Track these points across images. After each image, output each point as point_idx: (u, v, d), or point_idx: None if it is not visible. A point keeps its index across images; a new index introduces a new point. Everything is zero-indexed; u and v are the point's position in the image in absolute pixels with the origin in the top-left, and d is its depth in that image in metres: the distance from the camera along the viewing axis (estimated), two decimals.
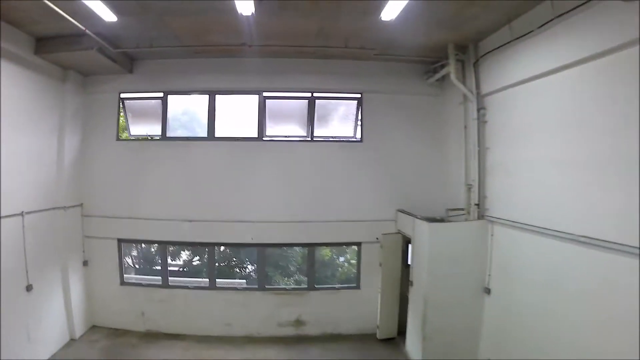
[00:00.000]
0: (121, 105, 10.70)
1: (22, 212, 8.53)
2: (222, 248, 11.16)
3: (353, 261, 11.41)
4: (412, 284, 9.13)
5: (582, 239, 5.80)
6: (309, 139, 10.62)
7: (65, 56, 9.04)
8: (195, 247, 11.86)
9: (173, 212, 10.39)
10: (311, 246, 10.71)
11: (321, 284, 11.07)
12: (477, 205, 8.56)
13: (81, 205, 10.43)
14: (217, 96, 10.47)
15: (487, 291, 8.41)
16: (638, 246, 4.91)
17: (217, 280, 11.02)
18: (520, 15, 7.14)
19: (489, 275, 8.39)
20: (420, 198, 10.24)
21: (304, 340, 10.42)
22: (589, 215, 5.76)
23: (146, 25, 8.21)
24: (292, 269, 12.04)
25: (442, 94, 10.29)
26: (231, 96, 10.59)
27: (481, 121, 8.56)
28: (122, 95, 10.56)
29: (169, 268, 11.24)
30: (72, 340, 10.03)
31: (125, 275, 10.99)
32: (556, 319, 6.45)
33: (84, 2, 6.71)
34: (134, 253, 12.03)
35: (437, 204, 9.87)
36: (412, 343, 9.15)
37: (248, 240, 10.41)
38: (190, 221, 10.31)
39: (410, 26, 7.67)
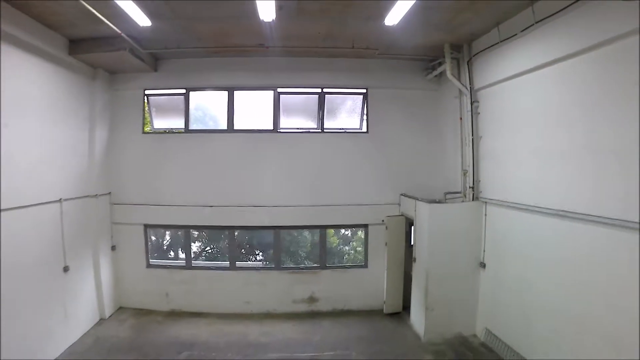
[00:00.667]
0: (146, 101, 11.84)
1: (61, 199, 9.71)
2: (236, 233, 12.32)
3: (359, 248, 12.92)
4: (414, 260, 10.47)
5: (561, 213, 7.14)
6: (320, 130, 12.08)
7: (97, 56, 10.28)
8: (211, 233, 13.00)
9: (195, 198, 11.80)
10: (322, 228, 12.18)
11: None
12: (472, 188, 9.93)
13: (109, 193, 11.74)
14: (235, 92, 11.84)
15: (483, 265, 9.77)
16: (606, 216, 6.22)
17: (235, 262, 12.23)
18: (507, 20, 8.49)
19: (484, 250, 9.74)
20: (421, 183, 11.69)
21: (317, 315, 11.80)
22: (566, 192, 7.10)
23: (175, 29, 9.49)
24: (302, 254, 13.21)
25: (440, 89, 11.73)
26: (248, 92, 12.03)
27: (474, 113, 9.93)
28: (147, 92, 11.85)
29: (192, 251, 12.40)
30: (102, 319, 11.28)
31: (150, 259, 12.35)
32: (539, 285, 7.82)
33: (123, 8, 7.88)
34: (153, 237, 13.21)
35: (436, 188, 11.29)
36: (416, 315, 10.47)
37: (265, 223, 11.76)
38: (211, 206, 11.64)
39: (411, 29, 9.03)
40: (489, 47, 9.23)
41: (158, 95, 12.03)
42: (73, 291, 10.13)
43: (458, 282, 9.95)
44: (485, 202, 9.63)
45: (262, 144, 11.85)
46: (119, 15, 8.25)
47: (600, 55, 6.28)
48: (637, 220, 5.59)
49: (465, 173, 10.20)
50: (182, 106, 11.94)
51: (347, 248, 13.79)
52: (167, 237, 13.42)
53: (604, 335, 6.22)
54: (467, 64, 10.06)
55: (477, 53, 9.73)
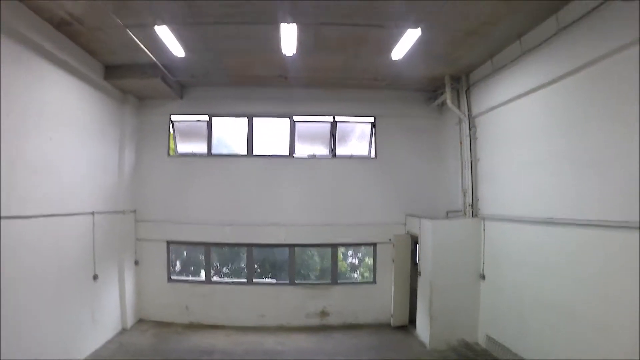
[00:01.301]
0: (171, 126, 13.58)
1: (93, 212, 11.00)
2: (254, 250, 13.66)
3: (367, 274, 14.33)
4: (419, 274, 11.80)
5: (548, 220, 8.50)
6: (331, 156, 13.71)
7: (129, 82, 11.86)
8: (230, 250, 14.31)
9: (215, 217, 13.26)
10: (334, 246, 13.61)
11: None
12: (471, 205, 11.37)
13: (135, 211, 13.19)
14: (254, 119, 13.50)
15: (482, 276, 11.07)
16: (587, 219, 7.49)
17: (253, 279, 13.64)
18: (498, 52, 10.10)
19: (483, 262, 11.05)
20: (425, 203, 13.21)
21: (328, 328, 13.08)
22: (552, 201, 8.49)
23: (204, 60, 11.13)
24: (312, 277, 14.47)
25: (441, 117, 13.39)
26: (266, 119, 13.70)
27: (473, 138, 11.49)
28: (173, 118, 13.45)
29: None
30: (123, 329, 12.48)
31: (171, 274, 13.74)
32: (534, 288, 9.05)
33: (164, 40, 9.29)
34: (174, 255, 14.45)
35: (439, 208, 12.80)
36: (421, 325, 11.73)
37: (281, 240, 13.24)
38: (231, 225, 13.01)
39: (414, 63, 10.69)
40: (484, 78, 10.85)
41: (183, 121, 13.56)
42: (100, 299, 11.35)
43: (460, 293, 11.23)
44: (484, 218, 10.98)
45: (278, 168, 13.46)
46: (156, 46, 9.78)
47: (577, 80, 7.74)
48: (614, 219, 6.83)
49: (465, 192, 11.62)
50: (205, 131, 13.55)
51: (355, 275, 14.94)
52: (187, 254, 14.63)
53: (592, 324, 7.31)
54: (466, 93, 11.67)
55: (474, 83, 11.34)
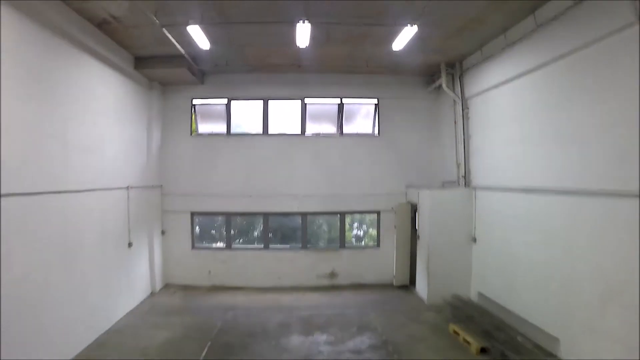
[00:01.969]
0: (193, 109, 15.66)
1: (128, 186, 13.00)
2: (270, 218, 15.85)
3: (370, 243, 16.60)
4: (418, 238, 13.94)
5: (528, 188, 10.42)
6: (339, 134, 15.85)
7: (156, 71, 13.85)
8: (249, 218, 16.42)
9: (235, 190, 15.46)
10: (342, 214, 15.86)
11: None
12: (464, 177, 13.49)
13: (161, 186, 15.26)
14: (269, 101, 15.65)
15: (474, 240, 13.17)
16: (554, 188, 9.41)
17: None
18: (487, 44, 12.10)
19: (475, 227, 13.14)
20: (423, 175, 15.47)
21: (337, 288, 15.34)
22: (529, 171, 10.50)
23: (227, 51, 13.10)
24: (321, 245, 16.57)
25: (438, 98, 15.51)
26: (280, 101, 15.85)
27: (465, 117, 13.56)
28: (194, 102, 15.42)
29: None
30: (153, 292, 14.64)
31: (195, 242, 15.92)
32: (517, 248, 10.85)
33: (192, 36, 11.06)
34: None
35: (435, 179, 15.06)
36: (420, 283, 13.98)
37: (294, 209, 15.47)
38: (249, 196, 15.11)
39: (412, 52, 12.74)
40: (475, 65, 12.92)
41: (204, 104, 15.71)
42: (133, 265, 13.43)
43: (454, 254, 13.39)
44: (475, 188, 13.08)
45: (291, 145, 15.62)
46: (185, 40, 11.65)
47: (554, 68, 9.55)
48: (592, 188, 8.18)
49: (458, 165, 13.74)
50: (224, 113, 15.70)
51: (361, 243, 17.04)
52: (209, 223, 16.69)
53: (562, 277, 9.04)
54: (459, 78, 13.77)
55: (467, 69, 13.41)
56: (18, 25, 7.90)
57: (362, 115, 16.19)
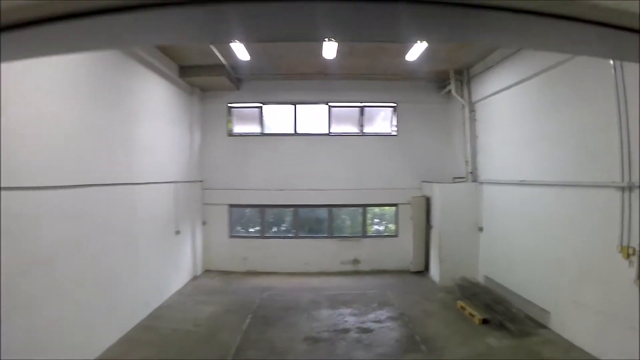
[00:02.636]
0: (229, 112, 18.26)
1: (175, 180, 15.49)
2: (299, 210, 18.33)
3: (389, 233, 19.00)
4: (432, 227, 16.24)
5: (524, 182, 12.55)
6: (360, 134, 18.42)
7: (199, 79, 16.39)
8: (280, 210, 18.97)
9: (268, 184, 18.04)
10: (363, 206, 18.42)
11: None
12: (472, 173, 15.86)
13: (202, 181, 17.75)
14: (298, 105, 18.31)
15: (481, 229, 15.46)
16: (541, 181, 11.66)
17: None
18: (487, 56, 14.43)
19: (481, 218, 15.38)
20: (436, 171, 17.83)
21: (359, 273, 17.84)
22: (521, 167, 12.71)
23: (262, 62, 15.62)
24: (345, 234, 18.99)
25: (449, 102, 17.88)
26: (308, 105, 18.47)
27: (473, 119, 15.90)
28: (231, 105, 17.95)
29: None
30: (195, 277, 17.19)
31: (232, 231, 18.54)
32: (517, 234, 12.80)
33: (235, 51, 13.64)
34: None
35: (447, 175, 17.44)
36: (433, 268, 16.36)
37: (321, 202, 18.06)
38: (281, 190, 17.62)
39: (424, 62, 15.18)
40: (479, 73, 15.28)
41: (239, 107, 18.33)
42: (179, 251, 15.86)
43: (463, 242, 15.67)
44: (481, 183, 15.40)
45: (317, 144, 18.17)
46: (226, 52, 14.14)
47: (541, 79, 11.72)
48: (570, 181, 10.13)
49: (467, 162, 16.10)
50: (258, 116, 18.29)
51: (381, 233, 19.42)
52: (245, 215, 19.25)
53: (548, 258, 10.98)
54: (467, 84, 16.15)
55: (473, 76, 15.80)
56: None
57: (381, 118, 18.73)
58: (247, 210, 19.08)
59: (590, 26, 2.06)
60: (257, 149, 18.13)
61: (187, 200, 16.50)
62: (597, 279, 9.28)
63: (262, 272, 17.79)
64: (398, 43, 13.02)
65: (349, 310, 13.13)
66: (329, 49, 13.34)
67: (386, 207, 18.99)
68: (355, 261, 17.96)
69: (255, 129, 18.46)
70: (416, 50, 13.63)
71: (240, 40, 12.27)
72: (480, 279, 15.21)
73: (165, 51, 14.00)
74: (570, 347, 10.01)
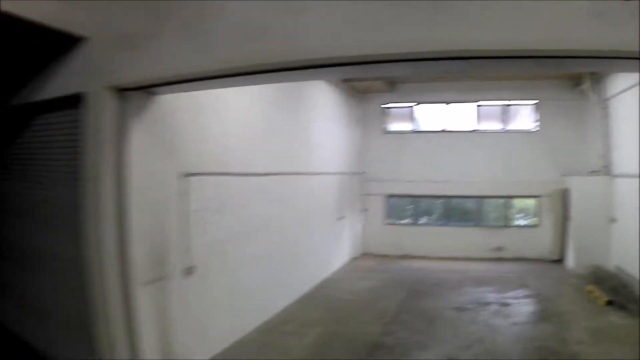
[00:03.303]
0: (384, 112, 22.97)
1: (339, 172, 19.45)
2: (450, 200, 21.58)
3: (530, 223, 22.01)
4: (569, 218, 19.21)
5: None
6: (504, 130, 22.23)
7: (360, 84, 20.84)
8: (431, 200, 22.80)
9: (420, 176, 22.42)
10: (507, 197, 22.25)
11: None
12: (606, 167, 18.90)
13: (363, 172, 22.77)
14: (448, 104, 22.64)
15: (613, 220, 17.98)
16: None
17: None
18: None
19: (614, 209, 17.99)
20: (573, 165, 20.22)
21: (502, 260, 21.59)
22: None
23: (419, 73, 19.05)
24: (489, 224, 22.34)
25: (584, 99, 19.92)
26: (457, 104, 22.47)
27: (606, 116, 18.95)
28: (385, 106, 22.87)
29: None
30: (353, 258, 21.81)
31: (387, 219, 23.41)
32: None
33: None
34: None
35: (583, 168, 19.78)
36: (569, 258, 19.34)
37: (470, 193, 22.03)
38: (434, 182, 22.20)
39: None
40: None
41: (394, 107, 23.13)
42: (341, 234, 19.88)
43: (597, 233, 17.53)
44: (614, 176, 18.12)
45: (465, 140, 22.25)
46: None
47: None
48: None
49: (601, 157, 19.01)
50: (410, 115, 23.20)
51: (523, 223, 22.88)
52: (399, 204, 23.84)
53: None
54: (600, 82, 18.99)
55: (604, 75, 18.56)
56: None
57: (522, 115, 21.97)
58: (401, 200, 23.46)
59: None
60: (409, 145, 22.58)
61: (349, 190, 20.49)
62: None
63: (414, 257, 21.58)
64: None
65: (490, 289, 15.70)
66: None
67: (528, 199, 22.37)
68: (498, 249, 21.59)
69: (407, 126, 23.12)
70: None
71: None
72: (611, 268, 16.70)
73: None
74: None
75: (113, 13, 7.02)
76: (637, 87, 14.78)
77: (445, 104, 21.93)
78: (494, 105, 21.59)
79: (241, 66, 6.13)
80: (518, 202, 22.25)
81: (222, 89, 9.27)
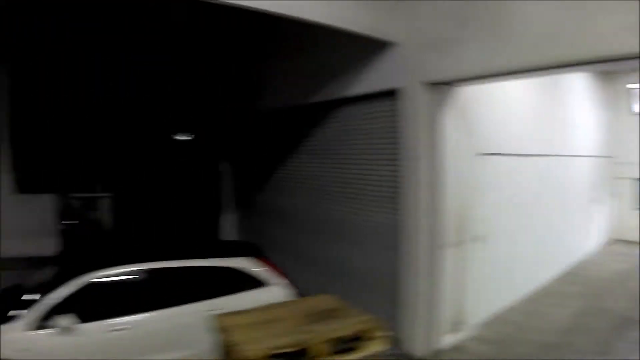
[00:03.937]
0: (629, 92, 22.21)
1: (591, 154, 19.03)
2: None
3: None
4: None
5: None
6: None
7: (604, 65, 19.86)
8: None
9: None
10: None
11: None
12: None
13: (610, 156, 22.01)
14: None
15: None
16: None
17: None
18: None
19: None
20: None
21: None
22: None
23: None
24: None
25: None
26: None
27: None
28: (629, 86, 21.70)
29: None
30: (605, 242, 21.04)
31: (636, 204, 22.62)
32: None
33: None
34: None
35: None
36: None
37: None
38: None
39: None
40: None
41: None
42: (593, 217, 19.63)
43: None
44: None
45: None
46: None
47: None
48: None
49: None
50: None
51: None
52: None
53: None
54: None
55: None
56: None
57: None
58: None
59: None
60: None
61: (599, 174, 20.15)
62: None
63: None
64: None
65: None
66: None
67: None
68: None
69: None
70: None
71: None
72: None
73: None
74: None
75: (421, 21, 9.08)
76: None
77: None
78: None
79: (538, 64, 7.42)
80: None
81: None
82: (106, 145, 15.57)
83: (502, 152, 11.74)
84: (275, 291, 8.91)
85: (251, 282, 8.91)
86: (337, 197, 11.89)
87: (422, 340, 9.49)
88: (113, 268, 8.15)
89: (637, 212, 21.52)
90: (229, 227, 18.01)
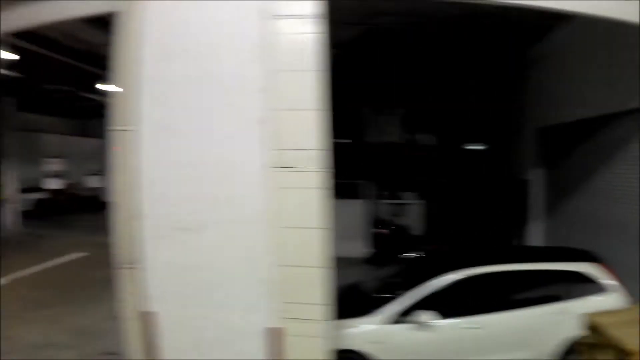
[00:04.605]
0: None
1: None
2: None
3: None
4: None
5: None
6: None
7: None
8: None
9: None
10: None
11: None
12: None
13: None
14: None
15: None
16: None
17: None
18: None
19: None
20: None
21: None
22: None
23: None
24: None
25: None
26: None
27: None
28: None
29: None
30: None
31: None
32: None
33: None
34: None
35: None
36: None
37: None
38: None
39: None
40: None
41: None
42: None
43: None
44: None
45: None
46: None
47: None
48: None
49: None
50: None
51: None
52: None
53: None
54: None
55: None
56: None
57: None
58: None
59: None
60: None
61: None
62: None
63: None
64: None
65: None
66: None
67: None
68: None
69: None
70: None
71: None
72: None
73: None
74: None
75: None
76: None
77: None
78: None
79: None
80: None
81: None
82: (414, 155, 16.64)
83: None
84: (616, 298, 9.12)
85: (595, 287, 9.20)
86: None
87: None
88: (469, 269, 8.13)
89: None
90: (536, 236, 17.50)
